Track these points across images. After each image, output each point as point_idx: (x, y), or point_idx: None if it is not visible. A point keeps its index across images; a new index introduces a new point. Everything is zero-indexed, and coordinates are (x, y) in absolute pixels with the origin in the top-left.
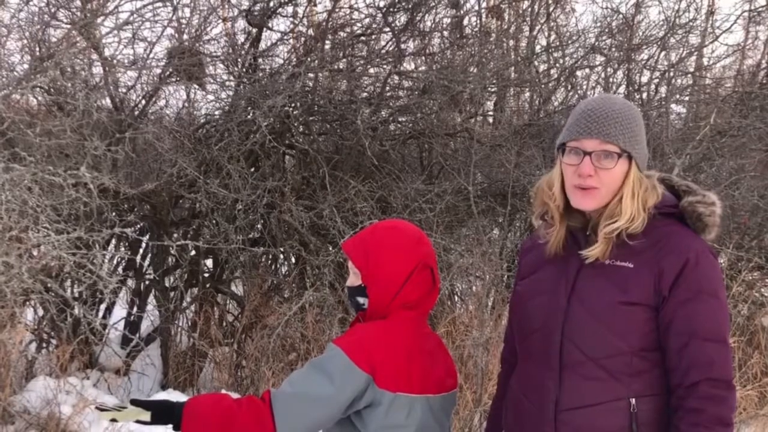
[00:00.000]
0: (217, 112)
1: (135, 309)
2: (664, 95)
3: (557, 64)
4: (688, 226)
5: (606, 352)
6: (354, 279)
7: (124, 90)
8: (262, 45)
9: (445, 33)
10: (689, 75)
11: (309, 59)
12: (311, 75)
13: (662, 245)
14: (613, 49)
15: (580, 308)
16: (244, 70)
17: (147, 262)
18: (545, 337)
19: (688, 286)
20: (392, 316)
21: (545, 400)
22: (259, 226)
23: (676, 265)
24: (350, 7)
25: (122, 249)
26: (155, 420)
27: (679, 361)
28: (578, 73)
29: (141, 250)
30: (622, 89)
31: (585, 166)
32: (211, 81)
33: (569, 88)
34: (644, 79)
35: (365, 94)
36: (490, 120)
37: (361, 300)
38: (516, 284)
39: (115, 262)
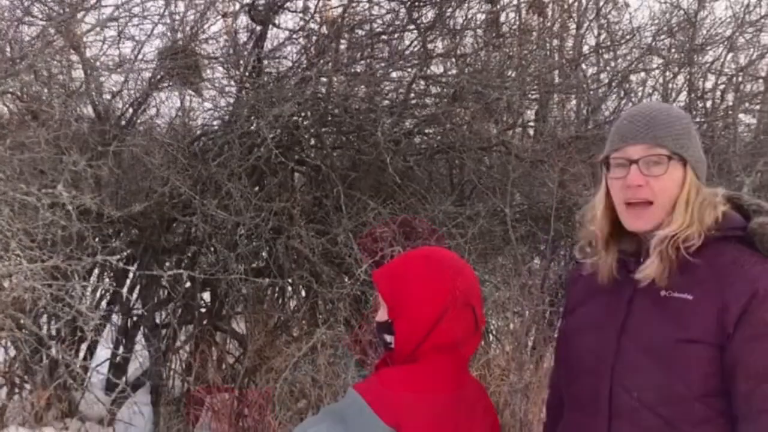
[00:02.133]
0: (215, 123)
1: (121, 349)
2: (731, 103)
3: (608, 68)
4: (758, 252)
5: (663, 398)
6: (382, 313)
7: (108, 96)
8: (268, 45)
9: (479, 31)
10: (760, 80)
11: (321, 61)
12: (324, 79)
13: (727, 273)
14: (673, 50)
15: (632, 347)
16: (246, 73)
17: (135, 295)
18: (593, 381)
19: (755, 322)
20: (423, 360)
21: None
22: (263, 253)
23: (742, 297)
24: (369, 0)
25: (106, 280)
26: None
27: (748, 409)
28: (632, 77)
29: (128, 282)
30: (682, 96)
31: (633, 176)
32: (209, 86)
33: (622, 94)
34: (708, 85)
35: (386, 102)
36: (531, 132)
37: (387, 338)
38: (562, 320)
39: (97, 295)
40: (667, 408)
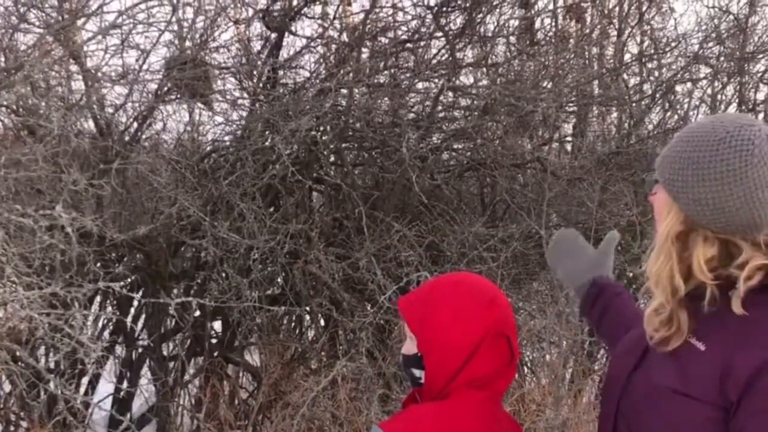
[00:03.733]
0: (227, 138)
1: (125, 383)
2: None
3: (652, 78)
4: None
5: None
6: (410, 345)
7: (111, 110)
8: (283, 53)
9: (512, 38)
10: None
11: (342, 71)
12: (344, 91)
13: (744, 330)
14: (722, 59)
15: (638, 384)
16: (260, 85)
17: (140, 325)
18: (603, 411)
19: (765, 397)
20: (455, 395)
21: None
22: (279, 279)
23: (752, 364)
24: (393, 6)
25: (109, 308)
26: None
27: None
28: (678, 88)
29: (132, 310)
30: (732, 108)
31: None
32: (220, 99)
33: (667, 107)
34: (760, 96)
35: (412, 115)
36: (568, 147)
37: (416, 373)
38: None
39: (99, 324)
40: None
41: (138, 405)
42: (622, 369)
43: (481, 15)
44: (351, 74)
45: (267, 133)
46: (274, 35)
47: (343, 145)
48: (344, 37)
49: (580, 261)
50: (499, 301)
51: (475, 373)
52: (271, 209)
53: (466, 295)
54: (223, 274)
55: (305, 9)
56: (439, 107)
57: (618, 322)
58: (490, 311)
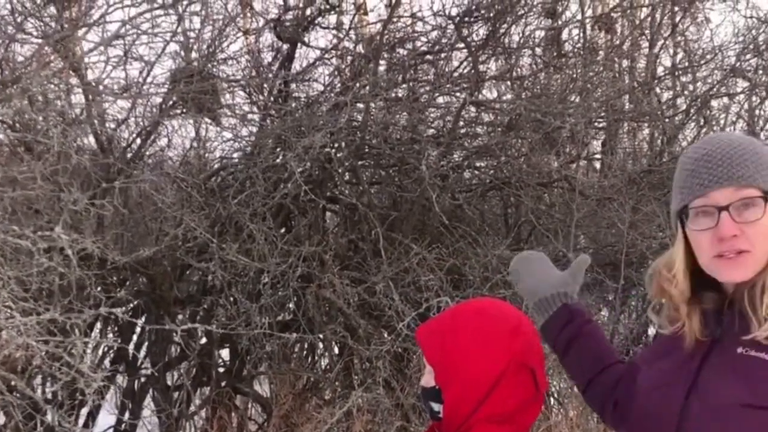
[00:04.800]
0: (236, 155)
1: (127, 415)
2: None
3: (686, 92)
4: None
5: None
6: (428, 377)
7: (113, 125)
8: (296, 66)
9: (538, 50)
10: None
11: (358, 84)
12: (360, 105)
13: None
14: (761, 72)
15: (698, 407)
16: (271, 98)
17: (143, 353)
18: None
19: None
20: (475, 431)
21: None
22: (291, 305)
23: None
24: (412, 15)
25: (110, 335)
26: None
27: None
28: (713, 103)
29: (135, 337)
30: None
31: (726, 227)
32: (229, 113)
33: (702, 122)
34: None
35: (432, 131)
36: (597, 165)
37: (435, 406)
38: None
39: (100, 352)
40: None
41: None
42: (668, 402)
43: (505, 25)
44: (367, 88)
45: (278, 149)
46: (286, 46)
47: (359, 162)
48: (360, 48)
49: (545, 277)
50: (523, 329)
51: (496, 407)
52: (283, 230)
53: (488, 323)
54: (232, 299)
55: (319, 19)
56: (461, 123)
57: (588, 356)
58: (513, 341)
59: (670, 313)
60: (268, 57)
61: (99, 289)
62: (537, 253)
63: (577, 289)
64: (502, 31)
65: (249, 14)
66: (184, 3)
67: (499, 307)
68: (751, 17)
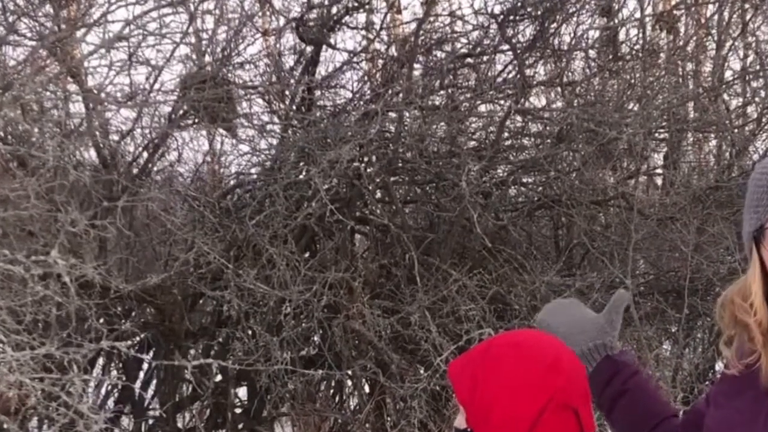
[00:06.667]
0: (253, 170)
1: None
2: None
3: (757, 99)
4: None
5: None
6: (461, 419)
7: (116, 137)
8: (321, 70)
9: (592, 52)
10: None
11: (390, 91)
12: (393, 115)
13: None
14: None
15: None
16: (293, 107)
17: (150, 392)
18: None
19: None
20: None
21: None
22: (315, 338)
23: None
24: (451, 14)
25: (113, 372)
26: None
27: None
28: None
29: (141, 374)
30: None
31: None
32: (246, 124)
33: None
34: None
35: (473, 143)
36: (658, 181)
37: None
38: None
39: (103, 391)
40: None
41: None
42: None
43: (555, 25)
44: (401, 95)
45: (301, 164)
46: (309, 48)
47: (392, 178)
48: (393, 50)
49: (579, 327)
50: (564, 364)
51: None
52: (307, 255)
53: (523, 358)
54: (249, 332)
55: (346, 18)
56: (506, 134)
57: (638, 411)
58: (551, 377)
59: (743, 346)
60: (289, 61)
61: (101, 320)
62: (566, 300)
63: (616, 336)
64: (551, 31)
65: (268, 13)
66: (196, 0)
67: (538, 339)
68: None
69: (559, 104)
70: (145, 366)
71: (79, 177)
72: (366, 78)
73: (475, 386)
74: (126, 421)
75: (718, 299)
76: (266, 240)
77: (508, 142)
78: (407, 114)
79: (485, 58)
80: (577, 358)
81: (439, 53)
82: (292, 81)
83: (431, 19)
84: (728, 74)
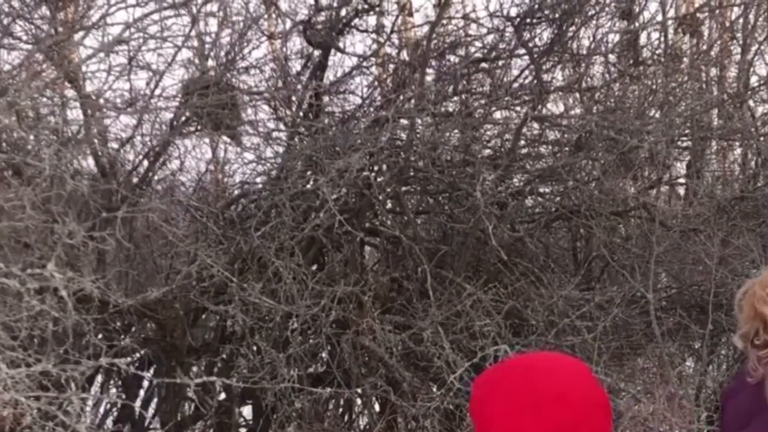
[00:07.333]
0: (259, 180)
1: None
2: None
3: None
4: None
5: None
6: None
7: (115, 145)
8: (329, 75)
9: (611, 57)
10: None
11: (401, 97)
12: (404, 122)
13: None
14: None
15: None
16: (300, 114)
17: (151, 411)
18: None
19: None
20: None
21: None
22: (324, 354)
23: None
24: (465, 16)
25: (113, 390)
26: None
27: None
28: None
29: (142, 392)
30: None
31: None
32: (251, 131)
33: None
34: None
35: (488, 152)
36: (681, 191)
37: None
38: None
39: (101, 410)
40: None
41: None
42: None
43: (573, 28)
44: (412, 101)
45: (309, 173)
46: (317, 53)
47: (403, 188)
48: (404, 55)
49: None
50: (574, 396)
51: None
52: (314, 267)
53: (531, 384)
54: (255, 348)
55: (356, 20)
56: (522, 142)
57: None
58: (556, 410)
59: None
60: (296, 65)
61: (99, 336)
62: None
63: None
64: (569, 34)
65: (274, 15)
66: (199, 2)
67: (552, 366)
68: None
69: (578, 111)
70: (146, 384)
71: (76, 186)
72: (376, 83)
73: (482, 403)
74: None
75: (739, 290)
76: (272, 252)
77: (524, 151)
78: (419, 121)
79: (501, 62)
80: (602, 394)
81: (452, 58)
82: (299, 86)
83: (444, 22)
84: (754, 80)
